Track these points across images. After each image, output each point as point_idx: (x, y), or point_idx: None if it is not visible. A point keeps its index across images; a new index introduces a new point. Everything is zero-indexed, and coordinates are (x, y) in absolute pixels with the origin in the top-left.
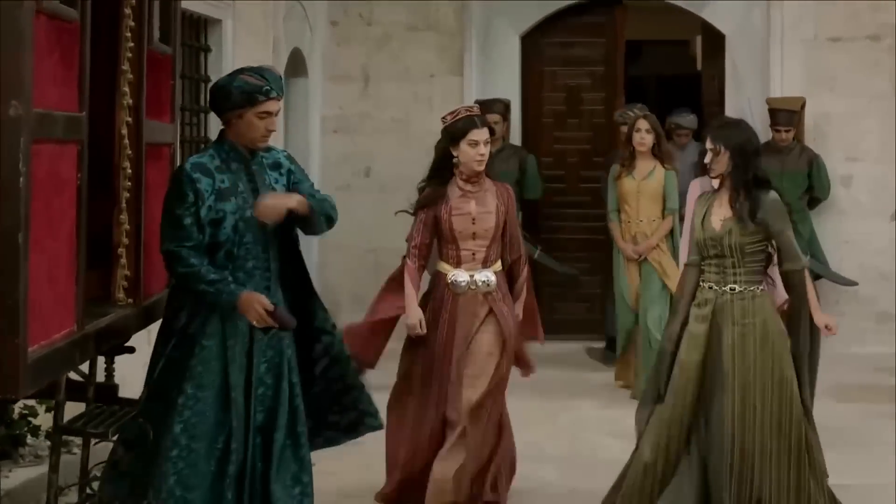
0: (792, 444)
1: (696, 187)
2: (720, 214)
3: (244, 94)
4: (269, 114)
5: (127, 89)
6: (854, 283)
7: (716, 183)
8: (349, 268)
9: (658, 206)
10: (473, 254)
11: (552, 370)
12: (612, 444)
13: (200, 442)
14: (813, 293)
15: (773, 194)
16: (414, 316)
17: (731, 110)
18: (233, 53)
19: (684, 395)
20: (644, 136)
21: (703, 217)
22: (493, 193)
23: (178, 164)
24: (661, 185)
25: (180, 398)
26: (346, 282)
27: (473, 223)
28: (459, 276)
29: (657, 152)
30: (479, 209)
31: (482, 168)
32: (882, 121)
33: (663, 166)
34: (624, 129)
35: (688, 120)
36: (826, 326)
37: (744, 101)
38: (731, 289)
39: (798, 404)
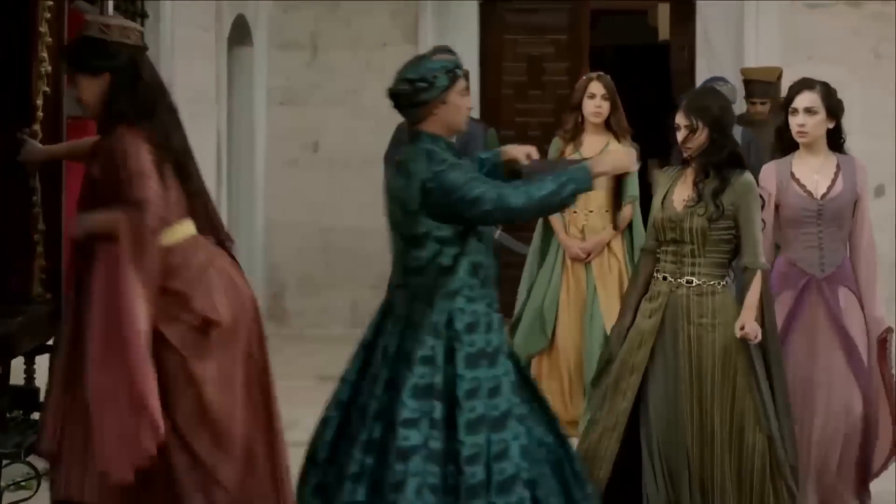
0: (756, 470)
1: (771, 173)
2: (683, 193)
3: (448, 72)
4: (467, 90)
5: (45, 54)
6: None
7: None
8: (296, 248)
9: (612, 192)
10: None
11: None
12: None
13: None
14: (756, 295)
15: (746, 176)
16: None
17: (702, 81)
18: (172, 19)
19: (622, 400)
20: (600, 104)
21: (665, 195)
22: None
23: None
24: None
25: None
26: (293, 263)
27: None
28: None
29: (612, 124)
30: None
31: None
32: (864, 91)
33: (619, 141)
34: None
35: (726, 90)
36: (741, 328)
37: (716, 71)
38: (687, 281)
39: (763, 430)
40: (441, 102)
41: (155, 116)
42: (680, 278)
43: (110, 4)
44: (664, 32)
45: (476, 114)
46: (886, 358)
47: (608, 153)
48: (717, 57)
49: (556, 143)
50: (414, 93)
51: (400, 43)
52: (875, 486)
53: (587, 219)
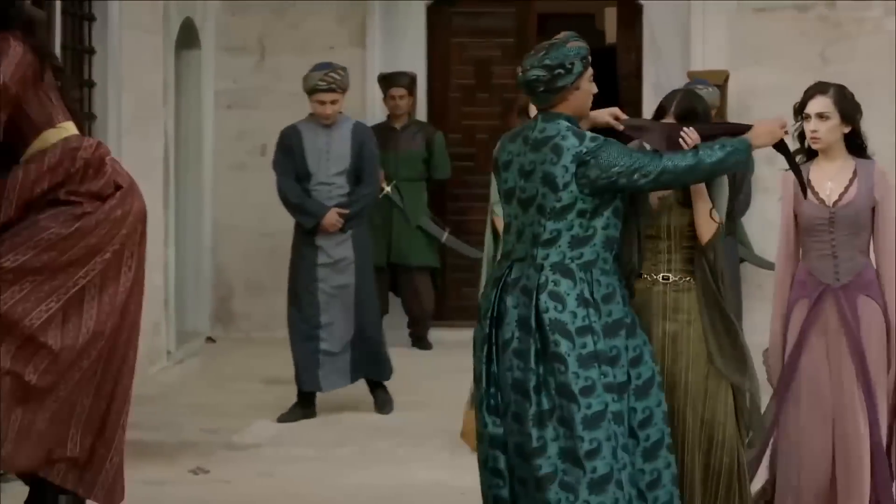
0: (723, 469)
1: (789, 182)
2: (659, 191)
3: (583, 59)
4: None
5: None
6: None
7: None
8: (243, 252)
9: None
10: None
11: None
12: None
13: None
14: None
15: None
16: None
17: (649, 85)
18: (119, 23)
19: None
20: None
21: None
22: None
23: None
24: None
25: None
26: (240, 267)
27: None
28: None
29: None
30: None
31: None
32: None
33: None
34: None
35: (706, 94)
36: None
37: (663, 74)
38: (663, 278)
39: (732, 428)
40: (575, 88)
41: (30, 28)
42: (656, 274)
43: (58, 6)
44: (611, 35)
45: (423, 116)
46: None
47: (758, 125)
48: (664, 60)
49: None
50: (552, 79)
51: (347, 46)
52: None
53: None
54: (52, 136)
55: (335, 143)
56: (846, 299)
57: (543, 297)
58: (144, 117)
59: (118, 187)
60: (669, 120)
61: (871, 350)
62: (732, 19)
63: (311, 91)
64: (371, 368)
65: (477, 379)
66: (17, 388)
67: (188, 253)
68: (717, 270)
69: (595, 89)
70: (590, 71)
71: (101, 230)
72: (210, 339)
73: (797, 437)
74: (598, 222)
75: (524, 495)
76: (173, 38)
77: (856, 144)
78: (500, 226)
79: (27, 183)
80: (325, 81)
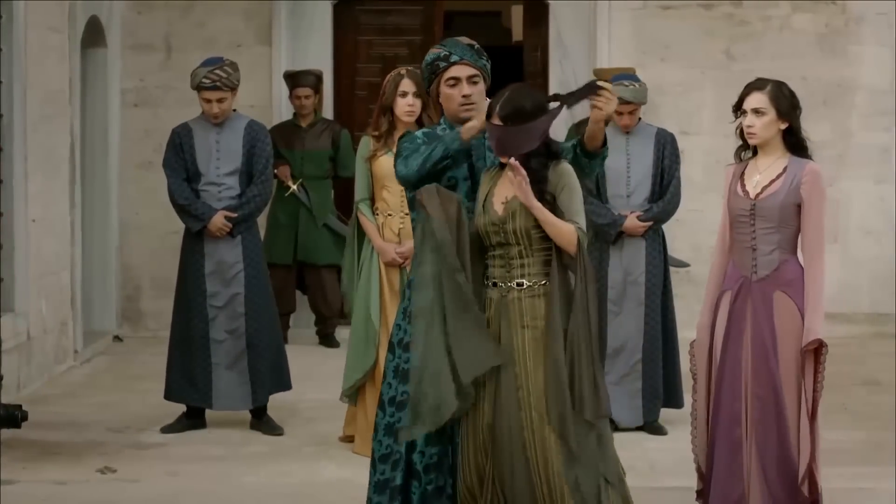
0: (609, 472)
1: (728, 173)
2: (503, 195)
3: (428, 65)
4: (458, 80)
5: None
6: (686, 265)
7: None
8: (150, 250)
9: None
10: None
11: None
12: None
13: None
14: (562, 225)
15: (564, 164)
16: None
17: (555, 82)
18: (25, 20)
19: (481, 417)
20: (413, 102)
21: (485, 199)
22: None
23: None
24: None
25: None
26: (146, 265)
27: None
28: None
29: (424, 120)
30: None
31: None
32: (716, 92)
33: None
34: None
35: (633, 91)
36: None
37: (569, 73)
38: (517, 284)
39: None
40: (436, 93)
41: None
42: (510, 282)
43: None
44: (518, 34)
45: (330, 114)
46: (816, 371)
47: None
48: (571, 58)
49: (366, 144)
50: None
51: (253, 44)
52: (875, 484)
53: (405, 222)
54: None
55: (226, 141)
56: (761, 293)
57: None
58: (50, 115)
59: None
60: (496, 121)
61: (784, 345)
62: (638, 17)
63: (196, 88)
64: (272, 383)
65: None
66: None
67: (95, 252)
68: (586, 281)
69: (463, 91)
70: (445, 76)
71: None
72: (117, 339)
73: (713, 431)
74: (415, 215)
75: None
76: (79, 37)
77: (796, 142)
78: (370, 227)
79: None
80: (209, 79)
